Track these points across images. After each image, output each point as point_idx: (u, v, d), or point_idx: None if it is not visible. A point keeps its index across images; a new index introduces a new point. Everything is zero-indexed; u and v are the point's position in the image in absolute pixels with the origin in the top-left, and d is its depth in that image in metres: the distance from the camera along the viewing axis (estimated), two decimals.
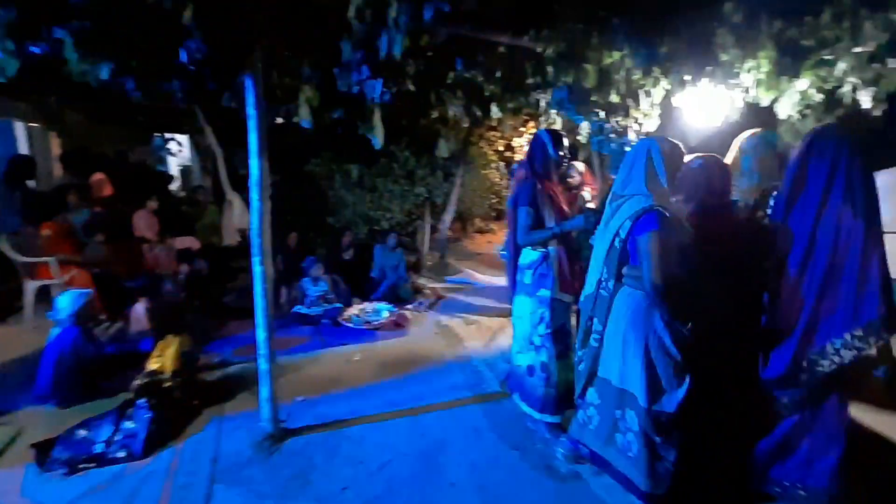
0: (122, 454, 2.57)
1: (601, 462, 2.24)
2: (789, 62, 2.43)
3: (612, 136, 3.45)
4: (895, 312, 1.85)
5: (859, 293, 1.84)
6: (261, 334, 2.60)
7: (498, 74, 3.27)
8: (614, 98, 3.02)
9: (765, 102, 2.89)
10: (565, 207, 2.74)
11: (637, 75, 2.87)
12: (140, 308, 4.02)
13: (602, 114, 3.29)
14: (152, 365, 3.08)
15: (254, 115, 2.47)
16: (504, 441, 2.68)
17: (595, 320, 2.17)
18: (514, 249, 2.82)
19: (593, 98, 3.14)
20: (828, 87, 2.93)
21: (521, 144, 7.46)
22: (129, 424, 2.71)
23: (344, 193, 7.03)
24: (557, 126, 4.16)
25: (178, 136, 8.47)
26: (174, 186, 8.75)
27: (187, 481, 2.39)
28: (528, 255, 2.69)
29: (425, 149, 7.05)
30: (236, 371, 3.63)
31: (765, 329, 2.07)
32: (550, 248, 2.62)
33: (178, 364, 3.14)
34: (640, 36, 2.38)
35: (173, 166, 9.57)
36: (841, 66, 2.61)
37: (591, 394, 2.26)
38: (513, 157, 8.85)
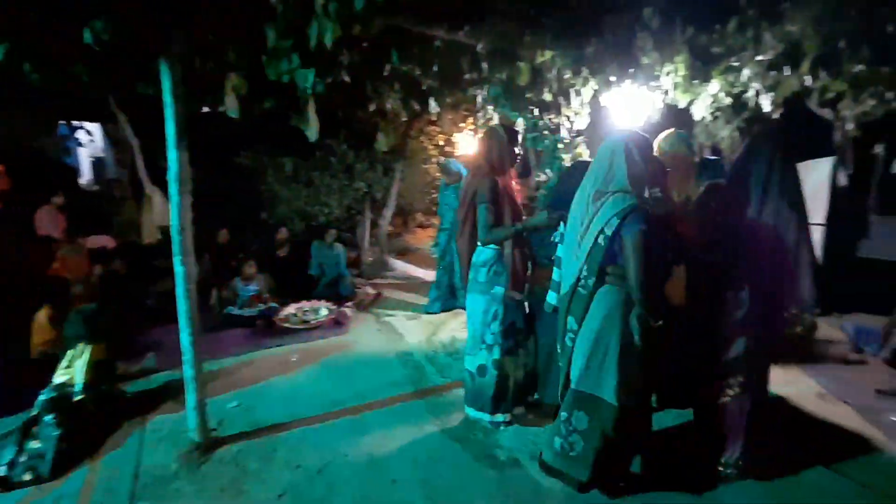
0: (28, 477, 2.33)
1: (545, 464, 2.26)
2: (701, 67, 2.62)
3: (546, 132, 3.57)
4: (821, 292, 2.10)
5: (795, 277, 2.07)
6: (185, 339, 2.44)
7: (435, 68, 3.26)
8: (547, 96, 3.12)
9: (682, 104, 3.11)
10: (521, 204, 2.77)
11: (568, 75, 2.98)
12: (42, 316, 3.61)
13: (536, 111, 3.39)
14: (60, 377, 2.79)
15: (171, 103, 2.29)
16: (446, 434, 2.70)
17: (571, 319, 2.11)
18: (469, 246, 2.75)
19: (528, 95, 3.23)
20: (735, 91, 3.21)
21: (459, 140, 7.51)
22: (34, 444, 2.45)
23: (278, 188, 6.74)
24: (494, 122, 4.24)
25: (88, 125, 7.69)
26: (85, 180, 7.96)
27: (104, 501, 2.20)
28: (483, 253, 2.63)
29: (364, 142, 6.92)
30: (160, 379, 3.38)
31: (716, 318, 2.22)
32: (506, 245, 2.61)
33: (92, 375, 2.87)
34: (567, 36, 2.46)
35: (84, 158, 8.69)
36: (746, 72, 2.87)
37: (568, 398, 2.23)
38: (453, 153, 8.91)
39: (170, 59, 2.26)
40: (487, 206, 2.53)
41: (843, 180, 4.93)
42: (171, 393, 3.08)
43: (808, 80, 2.71)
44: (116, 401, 2.98)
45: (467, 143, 7.21)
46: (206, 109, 3.16)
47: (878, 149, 5.35)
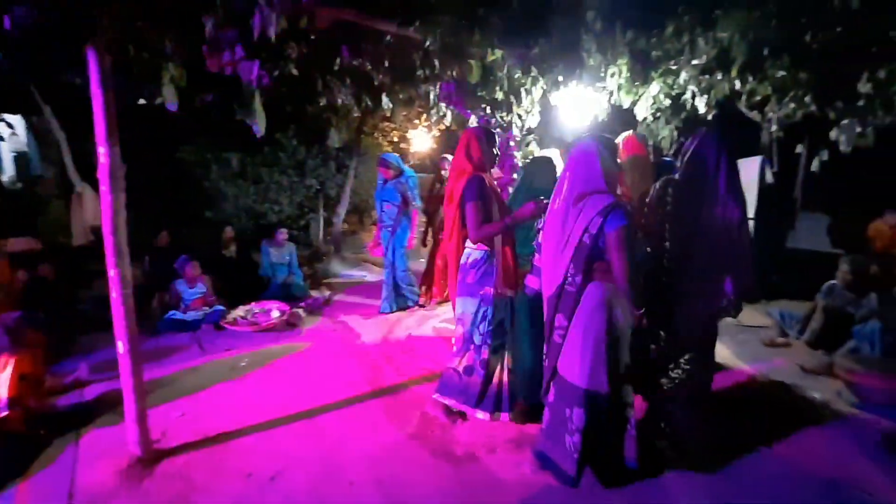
0: None
1: (544, 459, 2.29)
2: (642, 70, 2.74)
3: (498, 130, 3.62)
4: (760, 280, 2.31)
5: (738, 267, 2.24)
6: (122, 347, 2.28)
7: (386, 64, 3.22)
8: (498, 94, 3.16)
9: (626, 105, 3.25)
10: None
11: (517, 74, 3.03)
12: None
13: (488, 109, 3.42)
14: None
15: (99, 94, 2.13)
16: (403, 432, 2.70)
17: (560, 316, 2.16)
18: (459, 248, 2.70)
19: (479, 93, 3.26)
20: (674, 93, 3.39)
21: (414, 136, 7.48)
22: None
23: (223, 184, 6.45)
24: (447, 120, 4.25)
25: (9, 117, 7.01)
26: (6, 177, 7.26)
27: None
28: (473, 255, 2.62)
29: (316, 138, 6.75)
30: (96, 391, 3.15)
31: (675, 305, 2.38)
32: (496, 242, 2.61)
33: (16, 390, 2.64)
34: (515, 36, 2.50)
35: (5, 153, 7.93)
36: (683, 75, 3.03)
37: (552, 392, 2.27)
38: (408, 149, 8.86)
39: (98, 46, 2.10)
40: (476, 203, 2.50)
41: (769, 178, 5.34)
42: (108, 405, 2.88)
43: (737, 84, 2.91)
44: (46, 416, 2.76)
45: (422, 140, 7.19)
46: (141, 101, 2.98)
47: (800, 149, 5.84)
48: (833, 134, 2.96)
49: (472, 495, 2.20)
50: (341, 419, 2.83)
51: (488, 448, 2.54)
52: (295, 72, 3.02)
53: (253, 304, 4.67)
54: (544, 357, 2.31)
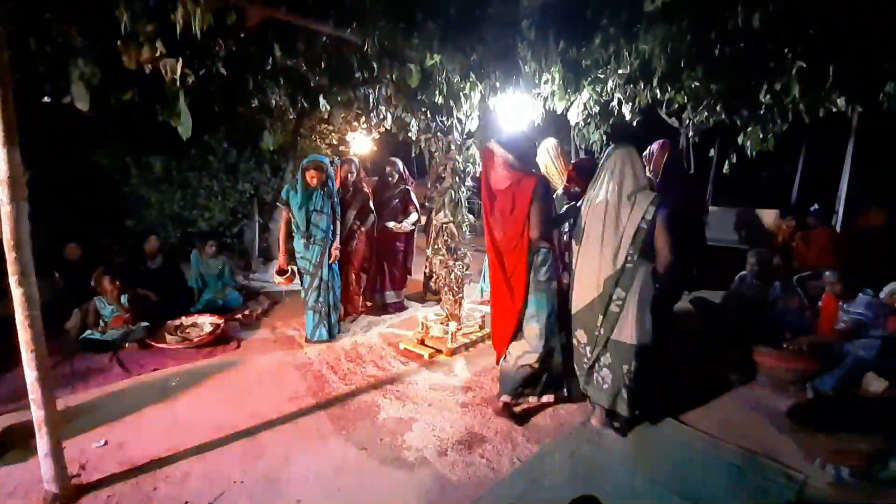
0: None
1: (611, 414, 2.74)
2: (573, 78, 2.88)
3: (440, 134, 3.65)
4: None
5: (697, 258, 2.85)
6: (30, 374, 2.04)
7: (323, 65, 3.14)
8: (438, 99, 3.18)
9: (559, 110, 3.40)
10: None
11: (456, 79, 3.08)
12: None
13: (428, 112, 3.44)
14: None
15: None
16: (351, 442, 2.64)
17: (618, 289, 2.58)
18: (526, 248, 2.75)
19: (420, 97, 3.26)
20: (602, 100, 3.59)
21: (353, 139, 7.33)
22: None
23: (145, 191, 5.98)
24: (387, 122, 4.22)
25: None
26: None
27: None
28: (542, 253, 2.79)
29: (248, 141, 6.44)
30: (1, 424, 2.79)
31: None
32: (554, 238, 2.93)
33: None
34: (453, 42, 2.54)
35: None
36: (610, 83, 3.22)
37: (606, 357, 2.67)
38: (347, 151, 8.66)
39: None
40: (549, 203, 2.80)
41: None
42: (17, 440, 2.56)
43: (658, 93, 3.14)
44: None
45: (362, 143, 7.07)
46: (46, 100, 2.70)
47: (712, 152, 6.42)
48: (740, 139, 3.28)
49: (425, 501, 2.20)
50: (285, 435, 2.71)
51: (439, 451, 2.55)
52: (223, 71, 2.87)
53: (183, 318, 4.36)
54: (598, 328, 2.67)
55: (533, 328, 2.83)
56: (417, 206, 4.92)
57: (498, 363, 3.02)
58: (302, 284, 4.12)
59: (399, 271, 5.01)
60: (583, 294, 2.71)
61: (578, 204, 2.88)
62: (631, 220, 2.54)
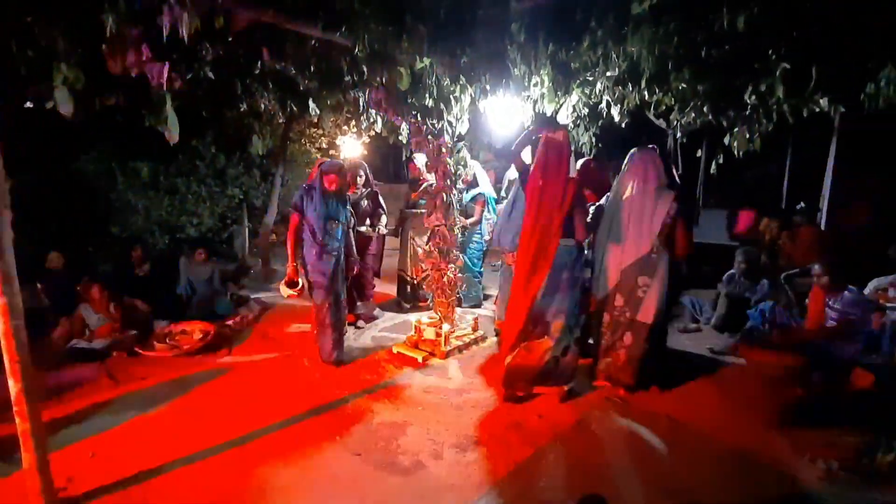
0: None
1: (629, 389, 3.13)
2: (562, 80, 2.89)
3: (430, 137, 3.64)
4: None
5: None
6: (13, 386, 1.99)
7: (312, 69, 3.12)
8: (428, 102, 3.18)
9: (549, 112, 3.41)
10: None
11: (446, 82, 3.08)
12: None
13: (418, 115, 3.43)
14: None
15: None
16: (345, 448, 2.61)
17: (643, 277, 2.98)
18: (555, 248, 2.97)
19: (410, 100, 3.26)
20: (591, 102, 3.62)
21: (343, 143, 7.31)
22: None
23: (132, 197, 5.89)
24: (378, 126, 4.21)
25: None
26: None
27: None
28: (575, 252, 3.07)
29: (237, 145, 6.38)
30: None
31: None
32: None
33: None
34: (443, 45, 2.54)
35: None
36: (599, 86, 3.24)
37: (627, 337, 3.07)
38: (337, 156, 8.63)
39: None
40: (586, 207, 3.21)
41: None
42: (2, 453, 2.49)
43: (646, 95, 3.16)
44: None
45: (352, 147, 7.04)
46: (28, 105, 2.65)
47: (700, 153, 6.50)
48: (727, 140, 3.32)
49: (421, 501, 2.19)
50: (278, 443, 2.67)
51: (434, 454, 2.53)
52: (211, 75, 2.84)
53: (172, 325, 4.29)
54: (623, 311, 3.08)
55: (559, 322, 3.04)
56: (385, 208, 4.81)
57: (506, 357, 3.06)
58: (313, 299, 3.67)
59: (368, 278, 4.72)
60: (609, 282, 3.11)
61: (601, 203, 3.33)
62: (658, 214, 2.93)
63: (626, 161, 3.17)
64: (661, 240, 2.95)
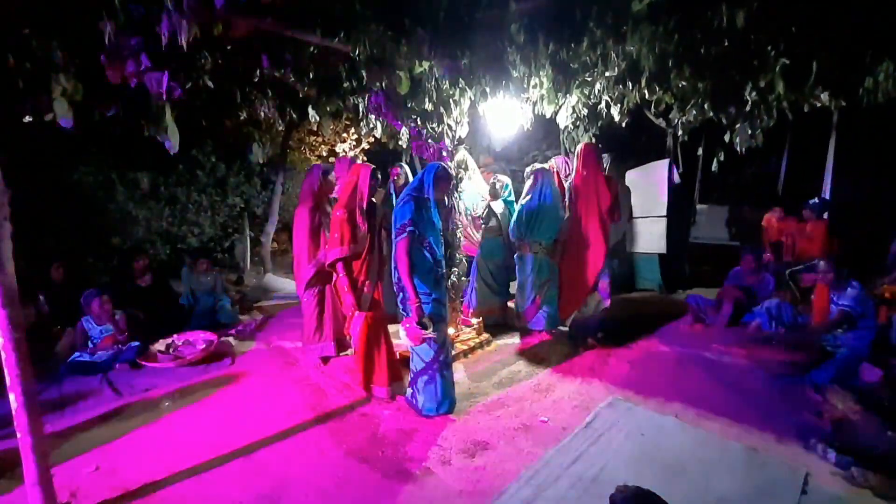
0: None
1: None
2: (562, 80, 2.89)
3: (430, 141, 3.64)
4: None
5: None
6: (16, 399, 1.97)
7: (311, 75, 3.12)
8: (428, 106, 3.17)
9: (548, 114, 3.41)
10: None
11: (445, 85, 3.07)
12: None
13: (418, 119, 3.43)
14: None
15: None
16: (352, 456, 2.58)
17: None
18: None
19: (409, 105, 3.25)
20: (591, 102, 3.61)
21: (342, 150, 7.32)
22: None
23: (132, 207, 5.88)
24: (378, 132, 4.21)
25: None
26: None
27: None
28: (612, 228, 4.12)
29: (237, 154, 6.39)
30: None
31: None
32: None
33: None
34: (442, 48, 2.53)
35: None
36: (598, 86, 3.23)
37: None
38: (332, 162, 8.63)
39: None
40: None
41: (676, 178, 5.87)
42: (4, 468, 2.47)
43: (646, 94, 3.16)
44: None
45: (352, 153, 7.05)
46: (27, 119, 2.64)
47: (699, 151, 6.49)
48: (728, 136, 3.31)
49: None
50: (284, 452, 2.64)
51: (442, 460, 2.50)
52: (210, 83, 2.84)
53: (175, 336, 4.27)
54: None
55: (605, 281, 3.96)
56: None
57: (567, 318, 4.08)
58: (432, 339, 2.87)
59: None
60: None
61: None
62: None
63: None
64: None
